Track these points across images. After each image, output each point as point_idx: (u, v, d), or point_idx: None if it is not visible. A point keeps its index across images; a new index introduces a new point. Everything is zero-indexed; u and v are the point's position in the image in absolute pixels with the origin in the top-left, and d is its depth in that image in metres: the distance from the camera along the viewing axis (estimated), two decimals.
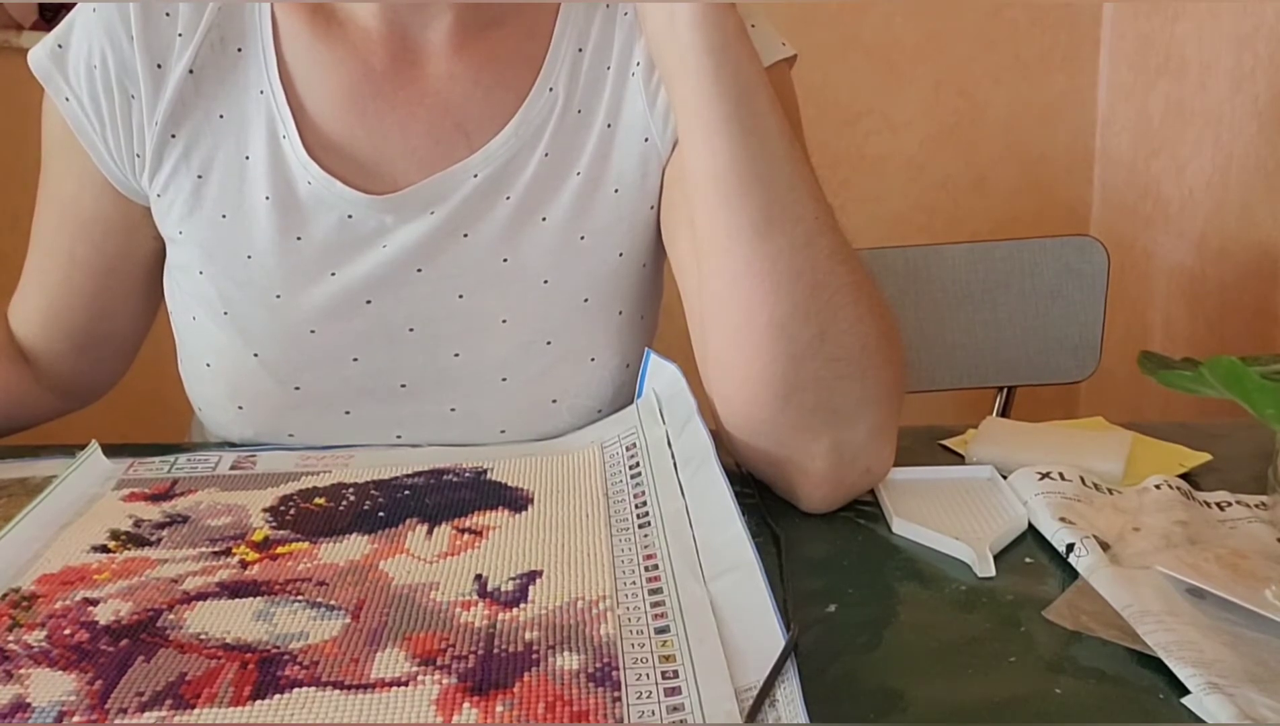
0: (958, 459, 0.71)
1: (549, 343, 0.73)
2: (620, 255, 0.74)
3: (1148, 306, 1.66)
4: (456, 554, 0.56)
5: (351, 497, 0.63)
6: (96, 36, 0.71)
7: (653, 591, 0.52)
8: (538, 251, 0.72)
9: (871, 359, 0.60)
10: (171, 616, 0.50)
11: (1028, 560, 0.57)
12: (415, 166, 0.72)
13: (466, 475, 0.66)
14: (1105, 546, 0.56)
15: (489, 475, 0.66)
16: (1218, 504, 0.62)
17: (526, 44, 0.73)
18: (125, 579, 0.54)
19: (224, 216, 0.72)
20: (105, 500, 0.64)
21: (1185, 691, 0.45)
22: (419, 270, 0.72)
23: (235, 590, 0.53)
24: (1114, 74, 1.78)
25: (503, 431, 0.73)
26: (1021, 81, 1.81)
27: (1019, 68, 1.81)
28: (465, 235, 0.72)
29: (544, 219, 0.73)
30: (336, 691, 0.45)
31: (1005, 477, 0.65)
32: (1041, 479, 0.63)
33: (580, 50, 0.74)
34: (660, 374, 0.69)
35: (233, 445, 0.74)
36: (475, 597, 0.52)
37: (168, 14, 0.71)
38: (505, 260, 0.72)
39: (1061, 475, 0.63)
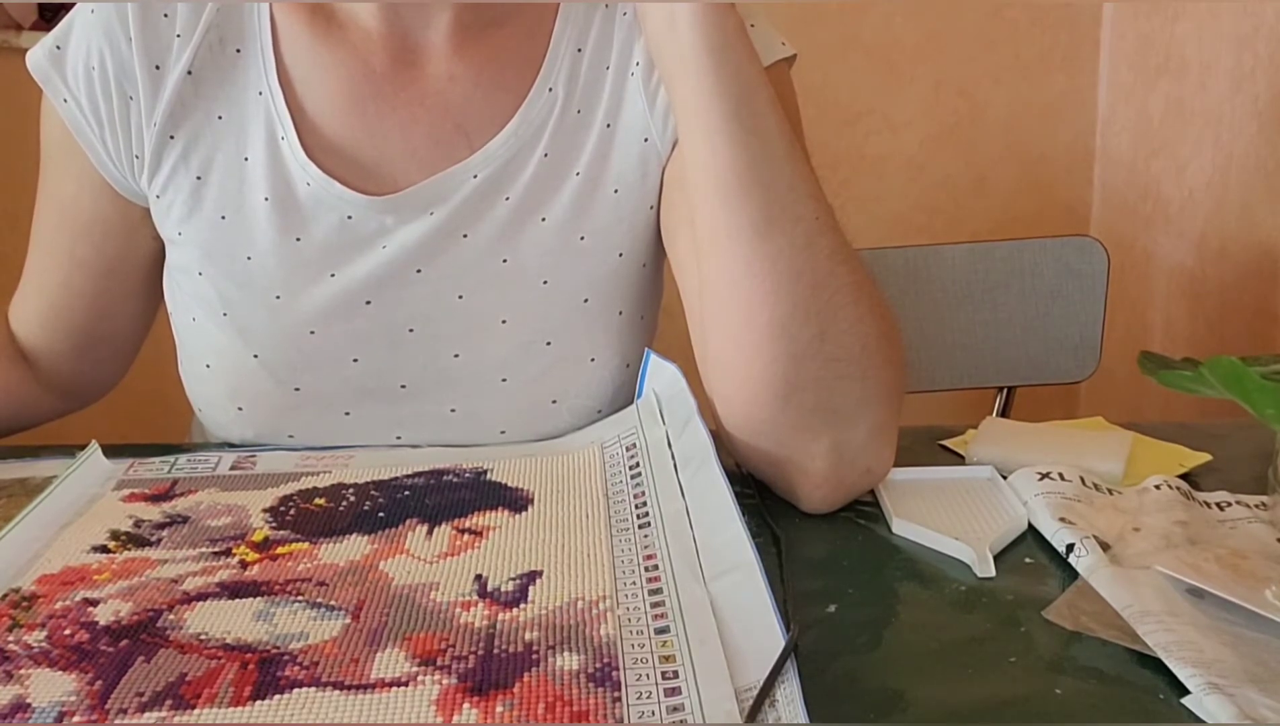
0: (958, 459, 0.71)
1: (549, 343, 0.73)
2: (620, 255, 0.74)
3: (1148, 306, 1.66)
4: (456, 554, 0.56)
5: (351, 498, 0.63)
6: (95, 38, 0.71)
7: (653, 592, 0.52)
8: (537, 252, 0.72)
9: (872, 359, 0.60)
10: (171, 616, 0.50)
11: (1028, 560, 0.57)
12: (415, 167, 0.72)
13: (466, 475, 0.66)
14: (1105, 546, 0.56)
15: (489, 475, 0.66)
16: (1218, 504, 0.62)
17: (526, 44, 0.73)
18: (125, 579, 0.54)
19: (223, 217, 0.72)
20: (105, 500, 0.64)
21: (1185, 691, 0.45)
22: (419, 271, 0.72)
23: (235, 590, 0.53)
24: (1114, 74, 1.78)
25: (503, 432, 0.73)
26: (1021, 81, 1.81)
27: (1019, 68, 1.81)
28: (465, 236, 0.72)
29: (543, 219, 0.73)
30: (336, 691, 0.45)
31: (1005, 478, 0.65)
32: (1041, 479, 0.63)
33: (580, 50, 0.74)
34: (660, 374, 0.69)
35: (233, 445, 0.74)
36: (475, 598, 0.52)
37: (166, 15, 0.71)
38: (505, 261, 0.72)
39: (1061, 475, 0.63)
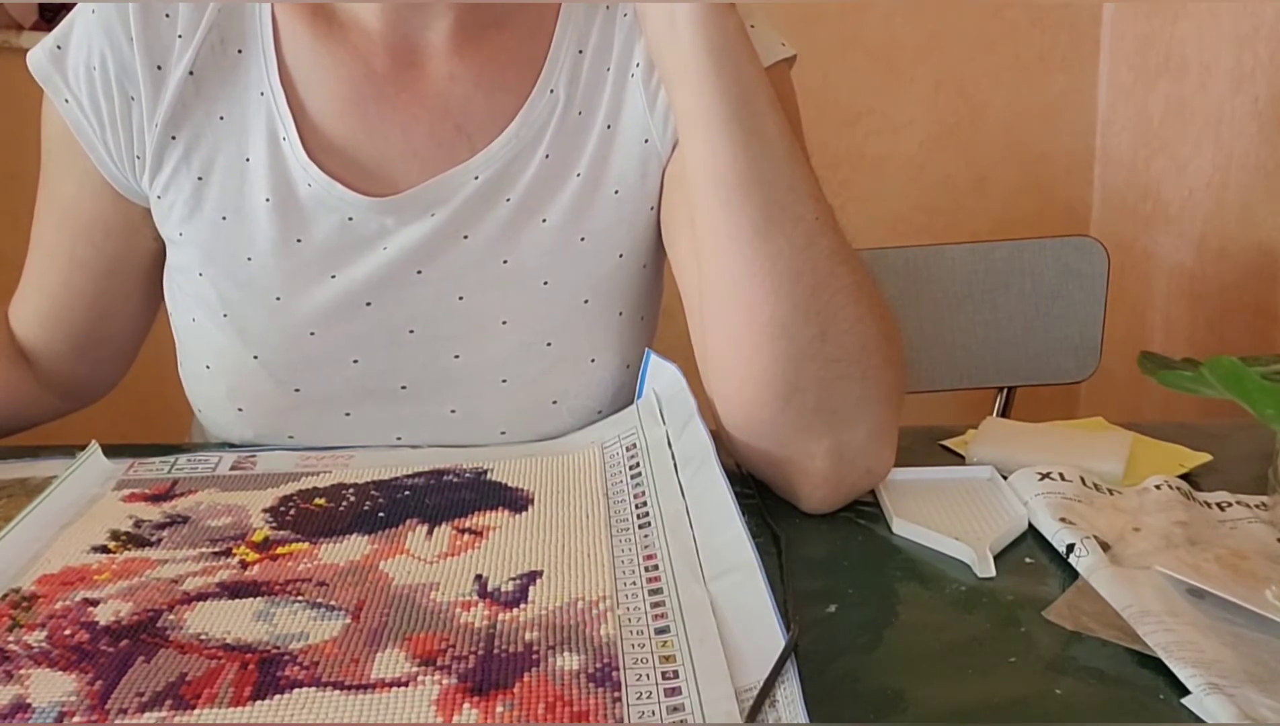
0: (958, 459, 0.71)
1: (549, 344, 0.73)
2: (620, 256, 0.74)
3: (1148, 306, 1.66)
4: (457, 554, 0.56)
5: (351, 498, 0.63)
6: (96, 38, 0.71)
7: (653, 592, 0.52)
8: (538, 253, 0.72)
9: (872, 359, 0.60)
10: (172, 617, 0.50)
11: (1028, 560, 0.57)
12: (416, 168, 0.72)
13: (466, 475, 0.66)
14: (1105, 547, 0.56)
15: (489, 475, 0.66)
16: (1218, 504, 0.62)
17: (527, 45, 0.73)
18: (125, 579, 0.54)
19: (224, 218, 0.72)
20: (105, 500, 0.64)
21: (1185, 691, 0.45)
22: (419, 272, 0.72)
23: (235, 590, 0.53)
24: (1114, 74, 1.78)
25: (503, 432, 0.73)
26: (1021, 81, 1.81)
27: (1019, 68, 1.81)
28: (465, 236, 0.72)
29: (544, 220, 0.73)
30: (337, 691, 0.45)
31: (1005, 478, 0.65)
32: (1042, 479, 0.63)
33: (581, 52, 0.74)
34: (660, 374, 0.69)
35: (233, 446, 0.74)
36: (475, 598, 0.52)
37: (167, 15, 0.71)
38: (505, 261, 0.72)
39: (1062, 475, 0.63)
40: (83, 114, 0.72)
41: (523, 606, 0.51)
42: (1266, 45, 1.37)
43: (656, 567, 0.54)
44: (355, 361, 0.72)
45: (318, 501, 0.63)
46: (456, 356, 0.73)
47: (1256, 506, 0.61)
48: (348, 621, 0.50)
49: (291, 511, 0.62)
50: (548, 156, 0.73)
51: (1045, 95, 1.82)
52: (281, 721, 0.43)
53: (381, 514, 0.61)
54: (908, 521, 0.60)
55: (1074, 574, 0.55)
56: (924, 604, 0.54)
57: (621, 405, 0.73)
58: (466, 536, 0.58)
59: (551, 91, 0.73)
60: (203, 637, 0.49)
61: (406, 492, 0.64)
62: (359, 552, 0.57)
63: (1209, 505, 0.62)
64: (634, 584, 0.52)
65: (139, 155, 0.72)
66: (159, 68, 0.71)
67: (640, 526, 0.58)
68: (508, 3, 0.73)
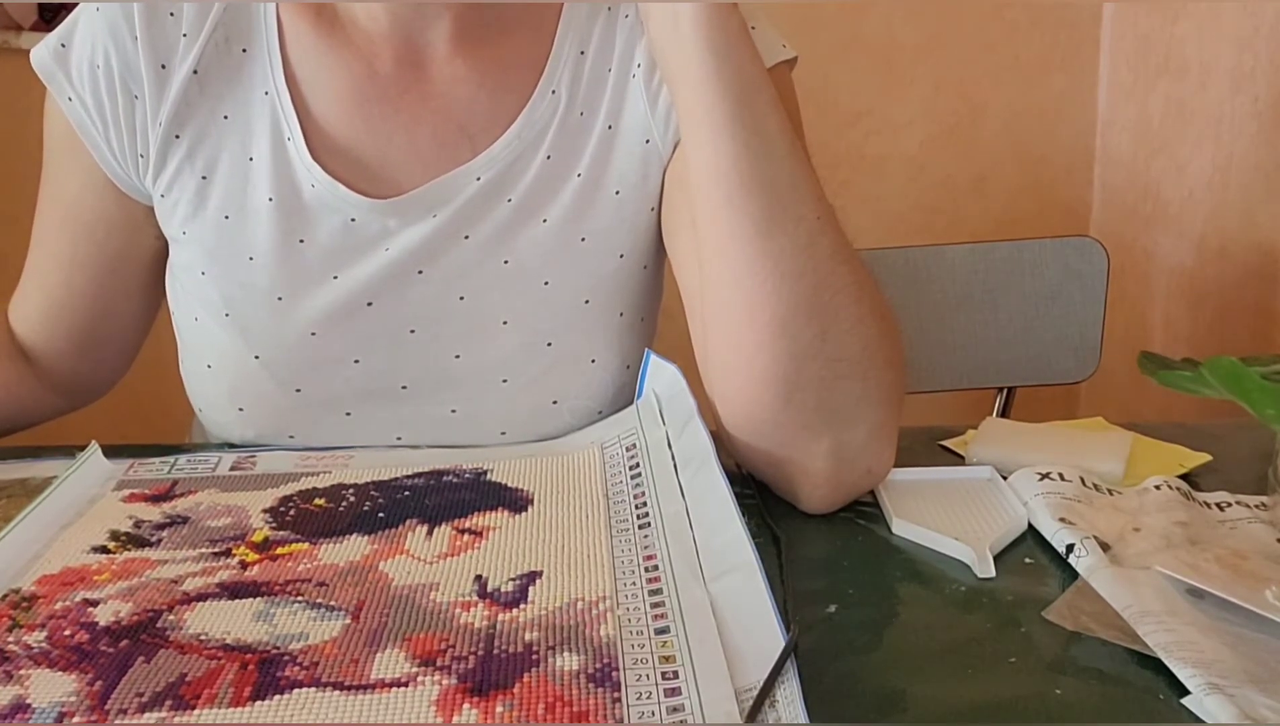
0: (958, 459, 0.71)
1: (549, 344, 0.73)
2: (621, 257, 0.74)
3: (1148, 306, 1.66)
4: (456, 554, 0.56)
5: (351, 498, 0.63)
6: (100, 36, 0.71)
7: (653, 592, 0.52)
8: (538, 253, 0.72)
9: (872, 359, 0.60)
10: (171, 617, 0.50)
11: (1028, 560, 0.57)
12: (419, 169, 0.72)
13: (466, 476, 0.66)
14: (1105, 547, 0.56)
15: (489, 476, 0.66)
16: (1218, 504, 0.62)
17: (529, 47, 0.73)
18: (125, 579, 0.54)
19: (227, 217, 0.72)
20: (105, 501, 0.64)
21: (1185, 691, 0.45)
22: (420, 272, 0.72)
23: (235, 591, 0.53)
24: (1114, 74, 1.78)
25: (503, 432, 0.73)
26: (1021, 82, 1.81)
27: (1019, 68, 1.81)
28: (466, 237, 0.72)
29: (545, 221, 0.73)
30: (336, 692, 0.45)
31: (1005, 478, 0.65)
32: (1041, 479, 0.63)
33: (582, 53, 0.74)
34: (660, 375, 0.69)
35: (233, 446, 0.74)
36: (475, 598, 0.52)
37: (172, 14, 0.71)
38: (506, 262, 0.72)
39: (1061, 475, 0.63)
40: (86, 112, 0.72)
41: (522, 606, 0.51)
42: (1266, 45, 1.37)
43: (656, 568, 0.54)
44: (356, 361, 0.72)
45: (318, 502, 0.63)
46: (457, 356, 0.73)
47: (1256, 506, 0.61)
48: (347, 621, 0.50)
49: (291, 512, 0.62)
50: (549, 157, 0.73)
51: (1045, 95, 1.82)
52: (281, 721, 0.43)
53: (381, 514, 0.61)
54: (908, 521, 0.60)
55: (1074, 574, 0.55)
56: (924, 604, 0.54)
57: (621, 405, 0.73)
58: (466, 537, 0.58)
59: (553, 93, 0.73)
60: (202, 638, 0.49)
61: (406, 493, 0.64)
62: (359, 553, 0.57)
63: (1209, 505, 0.62)
64: (634, 584, 0.52)
65: (142, 154, 0.72)
66: (163, 66, 0.71)
67: (640, 527, 0.58)
68: (510, 4, 0.73)
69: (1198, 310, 1.55)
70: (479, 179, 0.72)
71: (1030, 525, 0.60)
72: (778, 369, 0.60)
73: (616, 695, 0.44)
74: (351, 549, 0.57)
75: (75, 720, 0.43)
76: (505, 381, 0.73)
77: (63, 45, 0.72)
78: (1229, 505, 0.62)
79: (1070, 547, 0.56)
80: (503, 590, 0.52)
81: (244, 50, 0.72)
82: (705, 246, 0.63)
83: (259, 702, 0.44)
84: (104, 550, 0.57)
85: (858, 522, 0.62)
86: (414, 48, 0.72)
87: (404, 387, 0.73)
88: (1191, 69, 1.54)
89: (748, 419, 0.62)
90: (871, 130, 1.82)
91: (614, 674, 0.45)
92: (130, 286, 0.79)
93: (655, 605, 0.50)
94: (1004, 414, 1.39)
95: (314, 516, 0.61)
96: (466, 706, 0.43)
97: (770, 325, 0.59)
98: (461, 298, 0.72)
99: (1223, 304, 1.49)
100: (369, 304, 0.72)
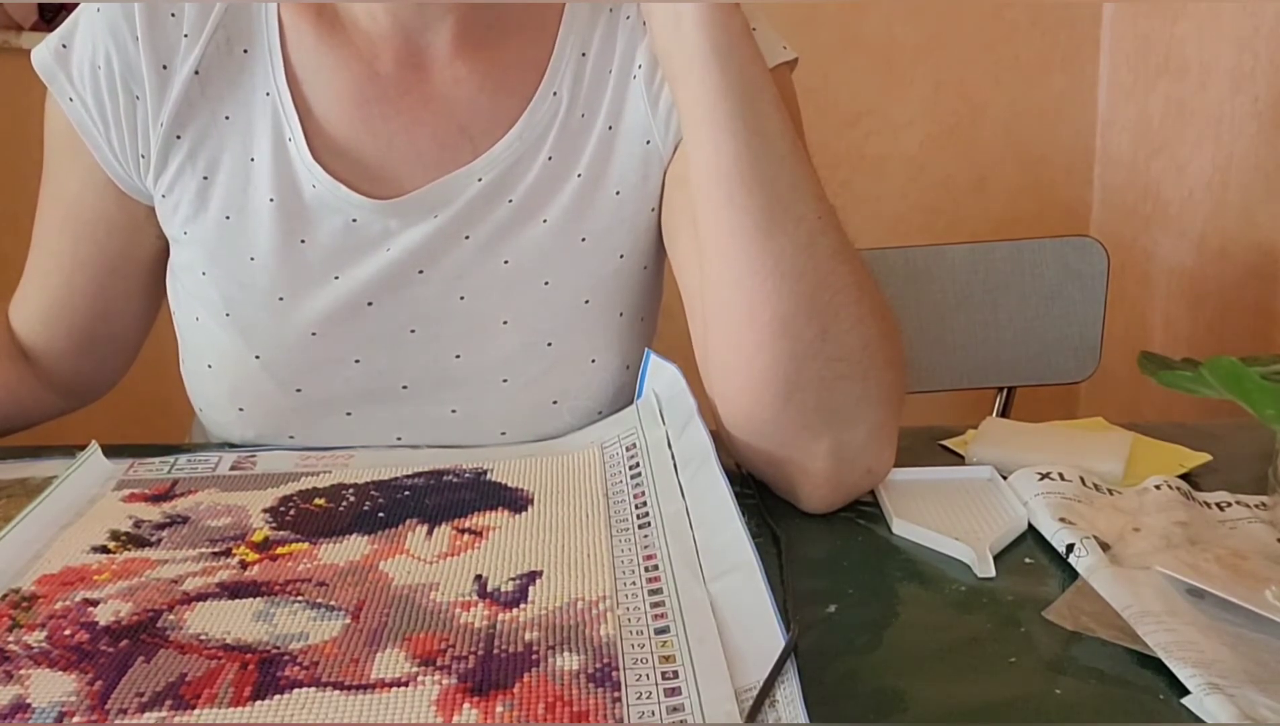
0: (958, 459, 0.71)
1: (550, 344, 0.73)
2: (621, 257, 0.74)
3: (1148, 306, 1.66)
4: (456, 554, 0.56)
5: (351, 498, 0.63)
6: (101, 37, 0.71)
7: (653, 592, 0.52)
8: (539, 253, 0.73)
9: (873, 359, 0.60)
10: (171, 617, 0.50)
11: (1028, 560, 0.57)
12: (420, 170, 0.72)
13: (466, 476, 0.66)
14: (1105, 547, 0.56)
15: (489, 476, 0.66)
16: (1218, 504, 0.62)
17: (531, 49, 0.73)
18: (125, 579, 0.54)
19: (228, 218, 0.72)
20: (105, 501, 0.64)
21: (1185, 691, 0.45)
22: (421, 272, 0.72)
23: (235, 591, 0.53)
24: (1114, 74, 1.78)
25: (503, 432, 0.73)
26: (1021, 82, 1.81)
27: (1019, 68, 1.81)
28: (467, 237, 0.72)
29: (545, 221, 0.73)
30: (336, 692, 0.45)
31: (1005, 478, 0.65)
32: (1041, 479, 0.63)
33: (583, 54, 0.74)
34: (660, 375, 0.69)
35: (233, 446, 0.74)
36: (475, 598, 0.52)
37: (173, 14, 0.71)
38: (506, 262, 0.72)
39: (1061, 475, 0.63)
40: (87, 112, 0.72)
41: (522, 606, 0.51)
42: (1266, 45, 1.37)
43: (656, 568, 0.54)
44: (357, 361, 0.72)
45: (318, 501, 0.63)
46: (457, 356, 0.73)
47: (1256, 506, 0.61)
48: (347, 621, 0.50)
49: (291, 511, 0.62)
50: (550, 159, 0.73)
51: (1045, 95, 1.82)
52: (281, 721, 0.43)
53: (381, 514, 0.61)
54: (908, 521, 0.60)
55: (1074, 574, 0.55)
56: (924, 604, 0.54)
57: (621, 405, 0.73)
58: (466, 536, 0.58)
59: (555, 94, 0.73)
60: (202, 638, 0.49)
61: (406, 493, 0.64)
62: (359, 553, 0.57)
63: (1209, 505, 0.62)
64: (634, 584, 0.52)
65: (143, 154, 0.72)
66: (164, 67, 0.71)
67: (640, 526, 0.58)
68: (511, 4, 0.73)
69: (1198, 310, 1.55)
70: (480, 180, 0.72)
71: (1030, 525, 0.60)
72: (778, 368, 0.60)
73: (616, 695, 0.44)
74: (351, 549, 0.57)
75: (75, 720, 0.43)
76: (505, 381, 0.73)
77: (64, 45, 0.72)
78: (1229, 505, 0.62)
79: (1070, 547, 0.56)
80: (503, 590, 0.52)
81: (245, 51, 0.72)
82: (706, 246, 0.63)
83: (259, 702, 0.44)
84: (104, 550, 0.57)
85: (858, 522, 0.62)
86: (415, 49, 0.72)
87: (404, 387, 0.73)
88: (1191, 69, 1.54)
89: (748, 418, 0.62)
90: (871, 130, 1.82)
91: (614, 673, 0.45)
92: (131, 286, 0.79)
93: (655, 605, 0.50)
94: (1004, 414, 1.39)
95: (314, 516, 0.61)
96: (466, 706, 0.43)
97: (771, 325, 0.59)
98: (462, 298, 0.72)
99: (1223, 304, 1.49)
100: (369, 304, 0.72)
